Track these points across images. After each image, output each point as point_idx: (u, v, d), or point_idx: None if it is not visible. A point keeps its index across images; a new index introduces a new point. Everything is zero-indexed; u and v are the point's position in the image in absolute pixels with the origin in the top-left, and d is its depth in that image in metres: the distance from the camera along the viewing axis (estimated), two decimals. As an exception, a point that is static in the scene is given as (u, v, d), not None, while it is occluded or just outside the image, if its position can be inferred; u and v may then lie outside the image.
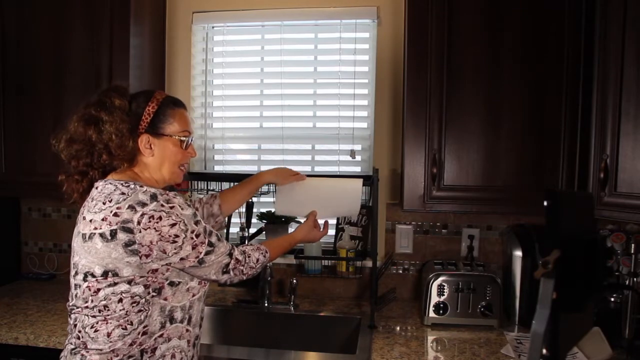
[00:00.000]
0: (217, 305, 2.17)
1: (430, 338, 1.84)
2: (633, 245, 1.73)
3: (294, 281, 2.13)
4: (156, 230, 1.20)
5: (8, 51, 2.16)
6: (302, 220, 1.71)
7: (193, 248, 1.26)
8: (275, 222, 2.25)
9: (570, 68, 1.78)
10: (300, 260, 2.28)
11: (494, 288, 1.90)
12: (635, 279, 1.72)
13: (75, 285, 1.27)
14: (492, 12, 1.83)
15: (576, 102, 1.79)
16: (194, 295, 1.34)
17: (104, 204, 1.23)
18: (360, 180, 1.76)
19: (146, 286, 1.24)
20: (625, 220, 1.72)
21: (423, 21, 1.86)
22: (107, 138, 1.27)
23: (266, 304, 2.12)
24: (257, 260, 1.44)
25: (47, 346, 1.77)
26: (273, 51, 2.38)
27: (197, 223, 1.28)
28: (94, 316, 1.23)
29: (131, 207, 1.21)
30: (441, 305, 1.91)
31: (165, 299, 1.28)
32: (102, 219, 1.22)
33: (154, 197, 1.23)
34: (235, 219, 2.19)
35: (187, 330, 1.33)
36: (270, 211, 2.27)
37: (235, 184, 1.78)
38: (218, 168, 2.47)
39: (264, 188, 1.88)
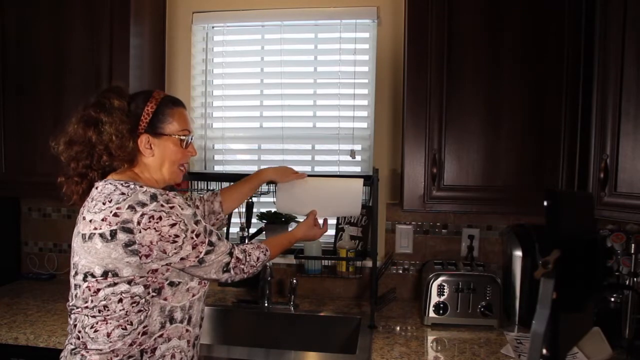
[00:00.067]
0: (217, 305, 2.17)
1: (430, 338, 1.84)
2: (633, 245, 1.73)
3: (294, 281, 2.13)
4: (156, 231, 1.20)
5: (8, 51, 2.16)
6: (302, 220, 1.71)
7: (193, 248, 1.26)
8: (275, 222, 2.25)
9: (570, 68, 1.78)
10: (300, 260, 2.28)
11: (494, 288, 1.90)
12: (635, 279, 1.72)
13: (75, 285, 1.27)
14: (492, 12, 1.83)
15: (576, 102, 1.79)
16: (194, 296, 1.34)
17: (103, 204, 1.23)
18: (361, 181, 1.76)
19: (146, 286, 1.24)
20: (625, 220, 1.72)
21: (423, 21, 1.86)
22: (107, 139, 1.27)
23: (266, 304, 2.12)
24: (258, 258, 1.44)
25: (47, 346, 1.77)
26: (273, 51, 2.38)
27: (197, 223, 1.28)
28: (93, 316, 1.23)
29: (131, 208, 1.21)
30: (441, 305, 1.91)
31: (165, 299, 1.28)
32: (102, 219, 1.22)
33: (153, 197, 1.23)
34: (235, 219, 2.19)
35: (187, 331, 1.33)
36: (270, 211, 2.27)
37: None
38: (218, 168, 2.47)
39: (264, 188, 1.88)
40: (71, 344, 1.28)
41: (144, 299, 1.24)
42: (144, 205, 1.21)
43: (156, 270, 1.24)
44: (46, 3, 2.11)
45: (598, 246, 1.54)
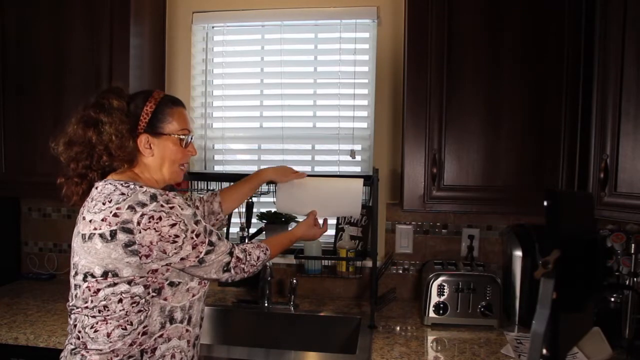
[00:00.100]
0: (217, 305, 2.17)
1: (430, 338, 1.84)
2: (633, 245, 1.73)
3: (294, 281, 2.13)
4: (156, 231, 1.20)
5: (8, 51, 2.16)
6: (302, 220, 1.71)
7: (193, 248, 1.26)
8: (275, 222, 2.25)
9: (570, 68, 1.78)
10: (300, 260, 2.28)
11: (494, 288, 1.90)
12: (635, 279, 1.72)
13: (75, 285, 1.27)
14: (492, 12, 1.83)
15: (576, 102, 1.79)
16: (193, 296, 1.34)
17: (103, 204, 1.23)
18: (361, 181, 1.76)
19: (146, 286, 1.24)
20: (625, 220, 1.72)
21: (423, 21, 1.86)
22: (107, 139, 1.27)
23: (266, 304, 2.12)
24: (258, 257, 1.44)
25: (47, 346, 1.77)
26: (273, 51, 2.38)
27: (197, 223, 1.28)
28: (93, 316, 1.23)
29: (131, 208, 1.21)
30: (441, 305, 1.91)
31: (165, 299, 1.28)
32: (102, 220, 1.22)
33: (153, 198, 1.23)
34: (235, 219, 2.19)
35: (187, 331, 1.33)
36: (270, 211, 2.27)
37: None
38: (218, 168, 2.47)
39: (264, 188, 1.88)
40: (71, 344, 1.28)
41: (144, 299, 1.24)
42: (143, 205, 1.21)
43: (156, 270, 1.24)
44: (46, 3, 2.11)
45: (598, 246, 1.55)
